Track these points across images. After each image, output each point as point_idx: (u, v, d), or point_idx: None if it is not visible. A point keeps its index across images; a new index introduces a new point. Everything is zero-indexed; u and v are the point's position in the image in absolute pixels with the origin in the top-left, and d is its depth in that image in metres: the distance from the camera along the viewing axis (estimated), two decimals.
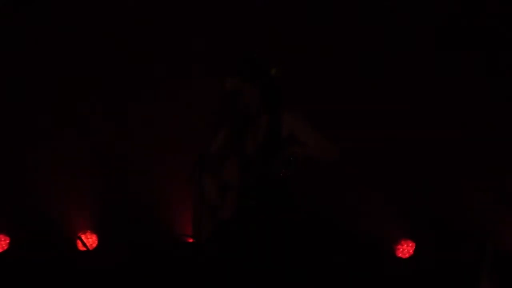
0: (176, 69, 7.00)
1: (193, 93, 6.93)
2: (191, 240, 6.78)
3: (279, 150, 4.75)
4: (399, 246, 7.13)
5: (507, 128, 6.81)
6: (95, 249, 7.08)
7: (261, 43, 6.52)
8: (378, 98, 6.88)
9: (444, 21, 6.83)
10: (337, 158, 4.82)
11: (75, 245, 7.08)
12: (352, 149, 5.87)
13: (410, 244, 7.12)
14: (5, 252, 6.99)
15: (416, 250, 7.11)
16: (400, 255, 7.13)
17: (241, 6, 6.86)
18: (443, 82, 6.87)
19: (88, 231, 7.12)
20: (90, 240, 7.09)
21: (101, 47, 6.93)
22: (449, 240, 6.94)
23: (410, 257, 7.12)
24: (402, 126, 6.87)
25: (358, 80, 6.86)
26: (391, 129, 6.86)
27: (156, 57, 6.98)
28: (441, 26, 6.84)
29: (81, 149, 7.04)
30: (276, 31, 6.68)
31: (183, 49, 6.96)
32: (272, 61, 4.88)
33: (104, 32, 6.93)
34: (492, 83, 6.77)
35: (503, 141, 6.78)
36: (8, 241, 7.02)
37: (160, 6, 6.97)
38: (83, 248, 7.05)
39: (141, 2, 6.94)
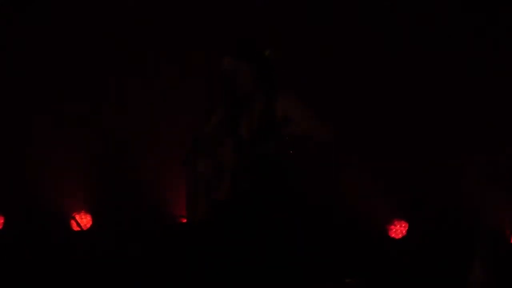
0: (175, 64, 7.03)
1: (190, 80, 6.92)
2: (185, 221, 6.78)
3: (274, 131, 4.76)
4: (392, 227, 7.08)
5: (499, 112, 6.82)
6: (89, 229, 7.09)
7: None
8: (374, 86, 6.91)
9: (444, 21, 6.86)
10: (331, 138, 4.85)
11: (69, 225, 7.09)
12: (344, 130, 5.78)
13: (403, 225, 7.08)
14: None
15: (409, 231, 7.07)
16: (393, 235, 7.08)
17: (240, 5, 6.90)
18: (441, 78, 6.88)
19: (83, 211, 7.12)
20: (84, 220, 7.10)
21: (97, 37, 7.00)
22: (442, 221, 6.90)
23: (403, 238, 7.07)
24: (395, 110, 6.88)
25: (356, 75, 6.89)
26: (384, 113, 6.87)
27: (155, 54, 7.04)
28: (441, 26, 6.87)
29: (77, 130, 7.03)
30: (275, 30, 6.69)
31: (182, 48, 7.00)
32: (268, 43, 4.91)
33: (101, 26, 6.98)
34: (492, 81, 6.81)
35: (496, 124, 6.78)
36: (2, 221, 7.06)
37: (160, 5, 6.99)
38: (77, 228, 7.05)
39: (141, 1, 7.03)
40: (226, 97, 4.98)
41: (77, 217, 7.08)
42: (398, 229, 7.09)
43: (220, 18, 6.89)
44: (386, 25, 6.90)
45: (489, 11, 6.79)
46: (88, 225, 7.11)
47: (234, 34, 6.61)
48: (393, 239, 7.08)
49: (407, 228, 7.07)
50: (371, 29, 6.89)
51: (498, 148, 6.77)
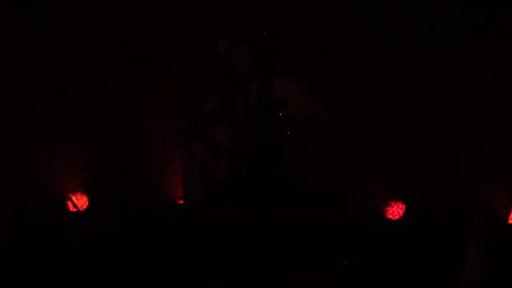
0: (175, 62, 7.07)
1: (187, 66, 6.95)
2: (181, 202, 6.80)
3: (271, 113, 4.81)
4: (389, 208, 7.12)
5: (496, 96, 6.84)
6: (85, 210, 7.12)
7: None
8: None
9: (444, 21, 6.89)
10: (325, 119, 4.96)
11: (65, 206, 7.13)
12: (340, 112, 6.01)
13: (400, 206, 7.14)
14: None
15: (406, 212, 7.13)
16: (390, 216, 7.13)
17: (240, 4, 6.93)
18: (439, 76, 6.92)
19: (79, 192, 7.15)
20: (80, 201, 7.13)
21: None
22: (439, 202, 6.96)
23: (400, 219, 7.13)
24: (390, 90, 6.89)
25: (356, 74, 6.90)
26: (378, 92, 6.89)
27: (154, 49, 7.02)
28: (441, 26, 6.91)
29: (75, 111, 7.01)
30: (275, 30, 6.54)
31: (181, 47, 7.03)
32: (265, 25, 4.95)
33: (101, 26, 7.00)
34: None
35: (492, 108, 6.81)
36: None
37: (161, 5, 7.02)
38: (74, 209, 7.08)
39: None
40: (223, 79, 5.04)
41: (74, 198, 7.11)
42: (395, 211, 7.12)
43: (220, 18, 6.88)
44: (386, 25, 6.91)
45: (489, 11, 6.82)
46: (85, 206, 7.13)
47: (234, 33, 6.47)
48: (390, 220, 7.12)
49: (404, 209, 7.12)
50: (371, 29, 6.91)
51: (494, 134, 6.77)
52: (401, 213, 7.12)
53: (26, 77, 7.00)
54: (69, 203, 7.10)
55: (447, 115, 6.89)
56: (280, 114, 4.78)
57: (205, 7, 6.96)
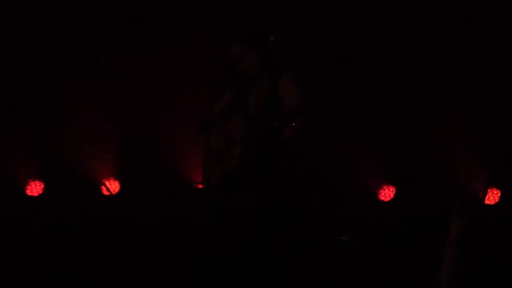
0: (188, 38, 7.37)
1: (201, 58, 7.19)
2: (200, 186, 6.38)
3: (278, 107, 5.04)
4: (381, 191, 7.52)
5: (477, 88, 7.14)
6: (117, 193, 7.47)
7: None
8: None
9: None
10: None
11: (100, 190, 7.46)
12: (335, 98, 6.43)
13: (391, 189, 7.51)
14: (40, 196, 7.42)
15: (396, 194, 7.47)
16: (382, 198, 7.51)
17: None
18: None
19: (112, 177, 7.50)
20: (113, 186, 7.49)
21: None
22: (425, 186, 7.27)
23: (391, 200, 7.49)
24: (382, 79, 7.22)
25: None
26: (371, 82, 7.20)
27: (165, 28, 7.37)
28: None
29: (106, 106, 7.30)
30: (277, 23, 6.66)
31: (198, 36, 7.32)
32: (272, 31, 5.23)
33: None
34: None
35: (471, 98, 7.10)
36: (42, 186, 7.44)
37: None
38: (107, 193, 7.42)
39: None
40: (236, 79, 5.27)
41: (107, 183, 7.44)
42: (387, 193, 7.53)
43: (229, 13, 7.20)
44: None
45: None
46: (117, 190, 7.47)
47: (242, 25, 6.77)
48: (382, 201, 7.53)
49: (394, 192, 7.52)
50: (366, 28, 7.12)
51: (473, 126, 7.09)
52: (392, 195, 7.52)
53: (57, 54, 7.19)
54: (103, 188, 7.41)
55: (432, 111, 7.18)
56: (286, 108, 4.93)
57: (217, 6, 7.23)
